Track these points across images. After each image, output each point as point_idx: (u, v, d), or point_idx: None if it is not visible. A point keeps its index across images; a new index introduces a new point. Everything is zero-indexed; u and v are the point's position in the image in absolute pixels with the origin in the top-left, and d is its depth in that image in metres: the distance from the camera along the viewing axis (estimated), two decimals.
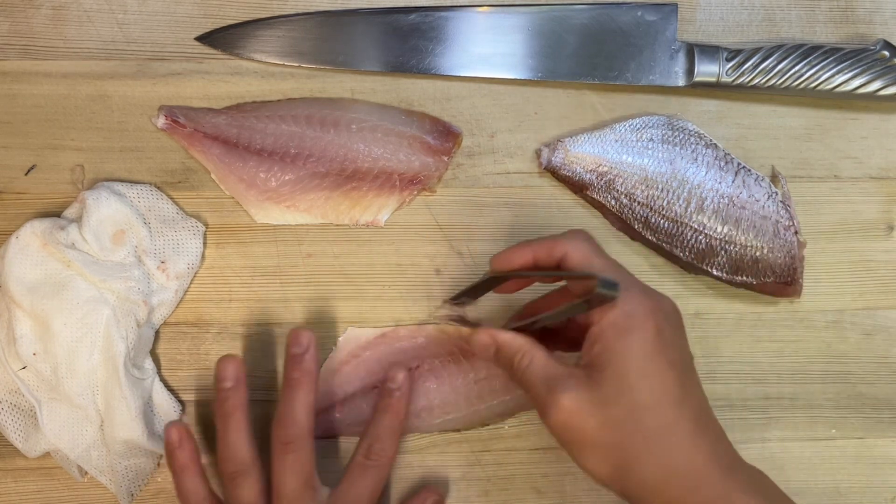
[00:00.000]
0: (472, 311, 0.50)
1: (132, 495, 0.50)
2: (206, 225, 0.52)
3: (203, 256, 0.52)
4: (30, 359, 0.48)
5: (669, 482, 0.39)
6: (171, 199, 0.52)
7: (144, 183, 0.52)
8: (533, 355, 0.43)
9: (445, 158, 0.52)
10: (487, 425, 0.52)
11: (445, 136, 0.52)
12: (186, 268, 0.51)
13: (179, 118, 0.51)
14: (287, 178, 0.51)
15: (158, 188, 0.52)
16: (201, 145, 0.51)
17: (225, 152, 0.51)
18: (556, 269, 0.45)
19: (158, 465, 0.51)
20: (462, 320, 0.50)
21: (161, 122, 0.51)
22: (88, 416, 0.48)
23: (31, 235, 0.48)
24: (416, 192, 0.52)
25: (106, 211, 0.49)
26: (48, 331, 0.47)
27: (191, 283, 0.52)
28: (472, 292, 0.49)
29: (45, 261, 0.48)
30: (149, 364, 0.51)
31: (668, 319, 0.42)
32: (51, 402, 0.48)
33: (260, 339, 0.52)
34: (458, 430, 0.52)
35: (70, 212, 0.51)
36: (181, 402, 0.51)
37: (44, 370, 0.48)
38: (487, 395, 0.51)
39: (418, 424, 0.52)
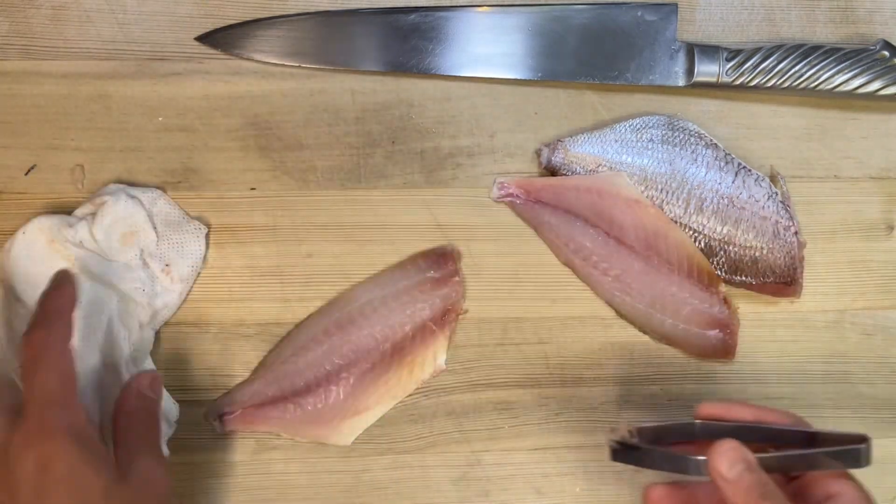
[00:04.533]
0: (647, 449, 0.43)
1: None
2: (209, 226, 0.52)
3: (206, 258, 0.52)
4: None
5: None
6: (175, 201, 0.52)
7: (154, 187, 0.52)
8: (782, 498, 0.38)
9: (457, 278, 0.52)
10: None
11: (444, 261, 0.52)
12: (190, 270, 0.51)
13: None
14: (342, 392, 0.51)
15: (164, 192, 0.52)
16: (253, 422, 0.51)
17: (281, 412, 0.51)
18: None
19: None
20: (635, 449, 0.42)
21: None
22: (89, 417, 0.48)
23: (37, 232, 0.48)
24: (454, 320, 0.52)
25: (122, 212, 0.49)
26: None
27: (194, 285, 0.52)
28: (654, 433, 0.44)
29: (51, 258, 0.48)
30: (149, 364, 0.51)
31: None
32: None
33: (260, 339, 0.52)
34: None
35: (82, 210, 0.50)
36: (178, 402, 0.51)
37: None
38: None
39: None
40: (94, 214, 0.50)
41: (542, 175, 0.54)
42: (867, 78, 0.51)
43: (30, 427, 0.39)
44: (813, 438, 0.41)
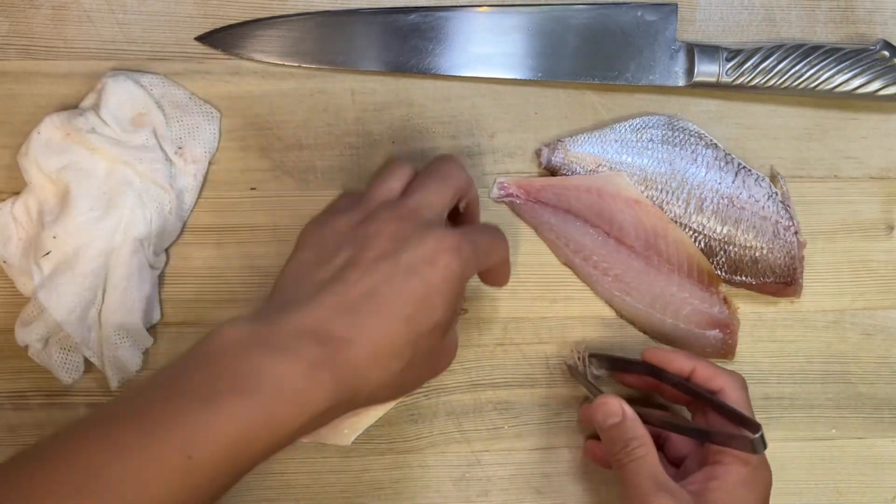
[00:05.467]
0: (593, 376, 0.51)
1: (119, 381, 0.50)
2: (221, 112, 0.52)
3: (219, 144, 0.52)
4: (51, 243, 0.48)
5: None
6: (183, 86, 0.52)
7: (155, 73, 0.52)
8: (649, 450, 0.44)
9: None
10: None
11: None
12: (203, 152, 0.52)
13: None
14: None
15: (165, 77, 0.52)
16: None
17: None
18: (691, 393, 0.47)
19: (141, 369, 0.51)
20: (584, 377, 0.50)
21: None
22: (95, 298, 0.49)
23: (52, 129, 0.49)
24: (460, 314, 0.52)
25: (124, 93, 0.50)
26: (71, 211, 0.48)
27: (208, 170, 0.52)
28: (609, 361, 0.50)
29: (70, 148, 0.48)
30: (164, 258, 0.52)
31: (769, 493, 0.45)
32: (59, 283, 0.48)
33: None
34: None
35: (87, 102, 0.51)
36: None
37: (66, 249, 0.48)
38: None
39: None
40: (98, 102, 0.50)
41: (542, 175, 0.54)
42: (867, 78, 0.51)
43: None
44: (730, 413, 0.45)
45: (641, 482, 0.43)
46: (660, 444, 0.49)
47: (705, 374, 0.47)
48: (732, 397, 0.46)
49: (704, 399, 0.46)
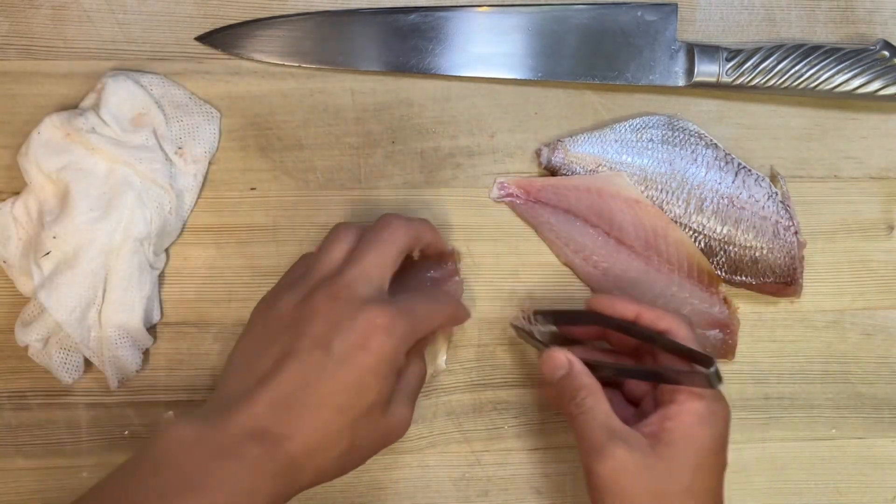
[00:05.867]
0: (540, 333, 0.49)
1: (119, 381, 0.50)
2: (221, 112, 0.52)
3: (219, 144, 0.52)
4: (51, 243, 0.48)
5: None
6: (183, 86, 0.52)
7: (155, 73, 0.52)
8: (598, 399, 0.44)
9: (457, 278, 0.51)
10: None
11: (444, 261, 0.51)
12: (203, 153, 0.52)
13: None
14: None
15: (165, 77, 0.52)
16: None
17: None
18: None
19: (141, 369, 0.51)
20: (531, 336, 0.49)
21: None
22: (95, 298, 0.49)
23: (52, 129, 0.49)
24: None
25: (124, 93, 0.50)
26: (71, 211, 0.48)
27: (208, 170, 0.52)
28: (553, 316, 0.49)
29: (69, 148, 0.48)
30: (164, 258, 0.52)
31: (729, 427, 0.45)
32: (59, 283, 0.48)
33: None
34: None
35: (87, 102, 0.51)
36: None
37: (66, 249, 0.48)
38: None
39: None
40: (98, 102, 0.50)
41: (542, 175, 0.54)
42: (867, 78, 0.51)
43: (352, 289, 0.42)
44: (681, 351, 0.44)
45: (594, 433, 0.43)
46: (618, 384, 0.48)
47: (650, 316, 0.46)
48: (680, 335, 0.45)
49: (653, 339, 0.45)
